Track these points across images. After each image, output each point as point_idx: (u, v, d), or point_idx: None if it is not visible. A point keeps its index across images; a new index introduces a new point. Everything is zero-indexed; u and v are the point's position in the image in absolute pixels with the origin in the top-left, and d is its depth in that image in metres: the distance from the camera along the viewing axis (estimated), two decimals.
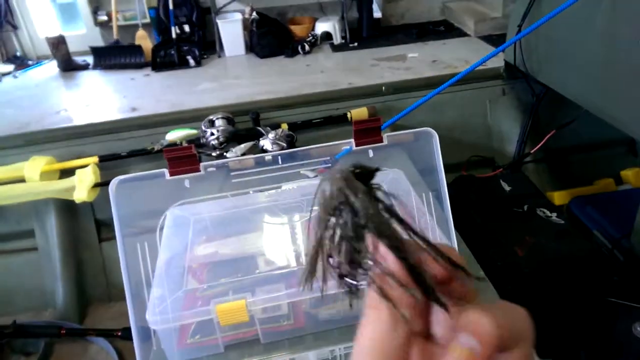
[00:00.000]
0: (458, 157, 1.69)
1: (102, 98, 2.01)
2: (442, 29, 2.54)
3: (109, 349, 1.45)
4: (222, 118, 1.57)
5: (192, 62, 2.33)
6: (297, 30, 2.54)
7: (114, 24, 2.56)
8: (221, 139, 1.51)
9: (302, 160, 0.93)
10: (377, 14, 2.59)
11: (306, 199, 1.06)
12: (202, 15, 2.54)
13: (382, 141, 0.92)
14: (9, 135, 1.65)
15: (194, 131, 1.58)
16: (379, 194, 0.24)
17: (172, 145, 1.55)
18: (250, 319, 0.79)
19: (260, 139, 1.50)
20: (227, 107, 1.67)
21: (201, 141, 1.55)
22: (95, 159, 1.55)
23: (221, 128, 1.53)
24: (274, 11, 2.62)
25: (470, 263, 1.02)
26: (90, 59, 2.46)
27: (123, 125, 1.67)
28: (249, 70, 2.28)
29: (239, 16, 2.43)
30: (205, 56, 2.43)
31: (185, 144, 1.52)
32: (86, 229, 1.66)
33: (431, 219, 0.90)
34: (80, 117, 1.82)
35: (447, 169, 0.89)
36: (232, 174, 0.91)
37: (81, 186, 1.46)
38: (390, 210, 0.23)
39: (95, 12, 2.62)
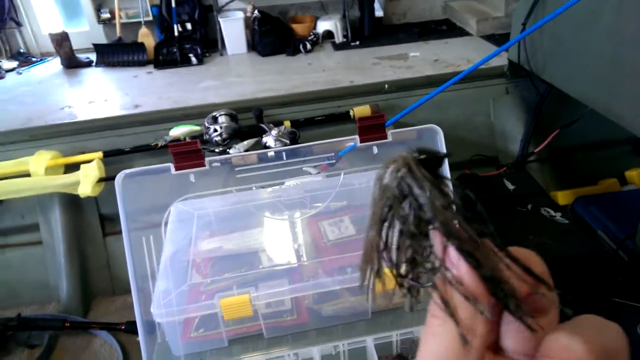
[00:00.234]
0: (461, 155, 1.68)
1: (105, 95, 2.01)
2: (444, 28, 2.53)
3: (112, 342, 1.46)
4: (225, 115, 1.57)
5: (194, 60, 2.33)
6: (299, 28, 2.54)
7: (117, 21, 2.57)
8: (224, 136, 1.51)
9: (305, 157, 0.93)
10: (378, 12, 2.59)
11: (309, 195, 1.06)
12: (204, 14, 2.54)
13: (386, 138, 0.92)
14: (14, 129, 1.65)
15: (197, 127, 1.58)
16: (448, 186, 0.20)
17: (176, 141, 1.56)
18: (253, 314, 0.79)
19: (264, 135, 1.50)
20: (229, 105, 1.67)
21: (204, 137, 1.54)
22: (100, 154, 1.56)
23: (224, 125, 1.53)
24: (275, 10, 2.62)
25: None
26: (93, 56, 2.46)
27: (126, 121, 1.67)
28: (251, 69, 2.28)
29: (240, 14, 2.43)
30: (207, 54, 2.43)
31: (189, 140, 1.52)
32: (90, 223, 1.67)
33: None
34: (84, 113, 1.82)
35: (450, 167, 0.89)
36: (236, 169, 0.91)
37: (86, 181, 1.46)
38: (467, 204, 0.20)
39: (98, 9, 2.62)
